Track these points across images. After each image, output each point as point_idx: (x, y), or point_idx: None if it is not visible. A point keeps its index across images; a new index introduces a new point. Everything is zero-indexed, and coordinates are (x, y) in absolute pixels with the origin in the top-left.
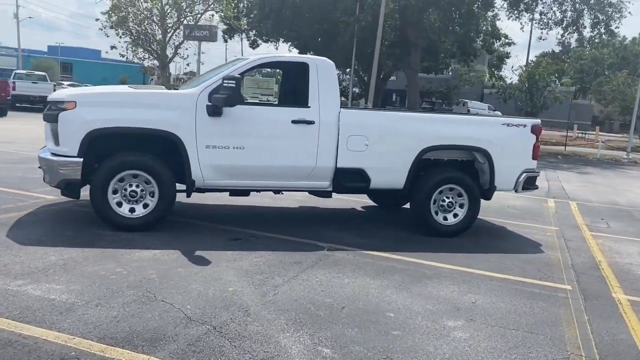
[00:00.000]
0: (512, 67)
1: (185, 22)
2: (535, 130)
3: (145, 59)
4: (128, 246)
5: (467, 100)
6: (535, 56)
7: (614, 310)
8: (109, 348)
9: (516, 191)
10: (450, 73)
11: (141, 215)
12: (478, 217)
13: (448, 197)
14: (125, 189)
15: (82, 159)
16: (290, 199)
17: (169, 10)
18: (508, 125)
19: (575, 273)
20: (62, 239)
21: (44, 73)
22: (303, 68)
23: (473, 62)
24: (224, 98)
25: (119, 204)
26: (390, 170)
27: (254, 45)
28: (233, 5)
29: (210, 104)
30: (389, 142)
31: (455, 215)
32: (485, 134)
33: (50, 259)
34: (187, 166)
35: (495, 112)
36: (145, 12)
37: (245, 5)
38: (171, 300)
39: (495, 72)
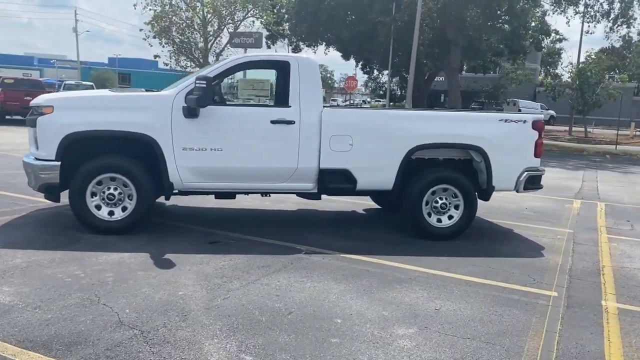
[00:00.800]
0: (562, 63)
1: (226, 29)
2: (537, 126)
3: (187, 67)
4: (100, 249)
5: (517, 100)
6: (587, 52)
7: (595, 319)
8: (23, 352)
9: (517, 191)
10: (499, 72)
11: (120, 218)
12: (485, 219)
13: (442, 198)
14: (104, 192)
15: (59, 163)
16: (289, 202)
17: (210, 18)
18: (506, 121)
19: (570, 278)
20: (38, 242)
21: (91, 83)
22: (285, 67)
23: (521, 59)
24: (195, 98)
25: (98, 207)
26: (377, 171)
27: (296, 50)
28: (273, 10)
29: (185, 105)
30: (375, 142)
31: (450, 217)
32: (480, 131)
33: (16, 261)
34: (164, 169)
35: (549, 111)
36: (187, 21)
37: (284, 10)
38: (113, 304)
39: (551, 70)
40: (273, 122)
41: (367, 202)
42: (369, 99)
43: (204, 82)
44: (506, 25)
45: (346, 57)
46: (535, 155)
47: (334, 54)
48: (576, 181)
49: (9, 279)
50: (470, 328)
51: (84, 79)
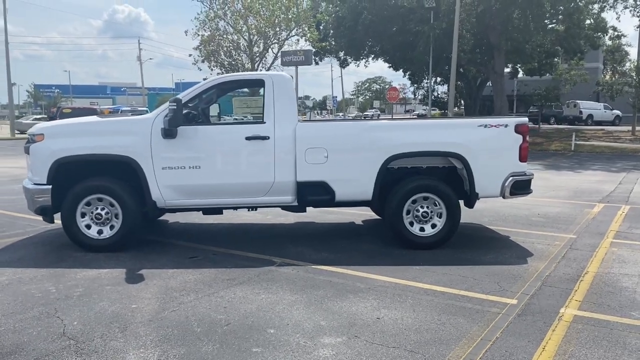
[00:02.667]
0: (630, 60)
1: (270, 50)
2: (520, 129)
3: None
4: (83, 266)
5: (578, 101)
6: None
7: (542, 327)
8: None
9: (503, 197)
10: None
11: (108, 236)
12: (487, 226)
13: (423, 207)
14: (92, 212)
15: (50, 186)
16: (290, 215)
17: (255, 40)
18: (485, 126)
19: (541, 286)
20: (31, 261)
21: (146, 108)
22: (260, 84)
23: (578, 59)
24: (167, 120)
25: (88, 227)
26: (353, 182)
27: (343, 64)
28: (317, 28)
29: (162, 127)
30: (349, 153)
31: (433, 226)
32: (458, 137)
33: (1, 279)
34: (146, 188)
35: (613, 111)
36: (233, 44)
37: (330, 27)
38: (65, 317)
39: (618, 68)
40: (248, 138)
41: (368, 213)
42: (425, 108)
43: (175, 104)
44: (560, 25)
45: (395, 68)
46: (521, 160)
47: (381, 64)
48: (611, 184)
49: None
50: (401, 337)
51: (151, 104)
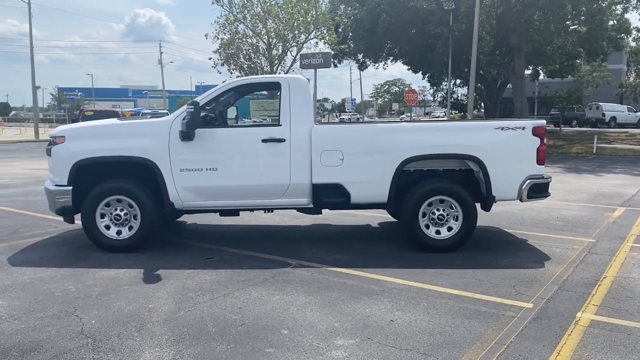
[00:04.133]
0: None
1: (289, 53)
2: (537, 132)
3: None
4: (102, 266)
5: (601, 103)
6: None
7: (558, 331)
8: None
9: (521, 200)
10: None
11: (127, 237)
12: (505, 229)
13: (439, 210)
14: (111, 213)
15: (71, 187)
16: (306, 218)
17: (274, 43)
18: (502, 129)
19: (558, 289)
20: (51, 260)
21: (166, 111)
22: (276, 87)
23: (600, 61)
24: (185, 122)
25: (107, 227)
26: (369, 184)
27: (362, 66)
28: (336, 30)
29: (180, 129)
30: (365, 156)
31: (449, 229)
32: (475, 139)
33: (23, 278)
34: (164, 189)
35: (637, 113)
36: (253, 47)
37: (348, 29)
38: (84, 316)
39: None
40: (264, 140)
41: (384, 216)
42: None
43: (192, 107)
44: (582, 27)
45: (414, 70)
46: (538, 163)
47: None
48: (634, 187)
49: (8, 293)
50: (414, 340)
51: (172, 107)
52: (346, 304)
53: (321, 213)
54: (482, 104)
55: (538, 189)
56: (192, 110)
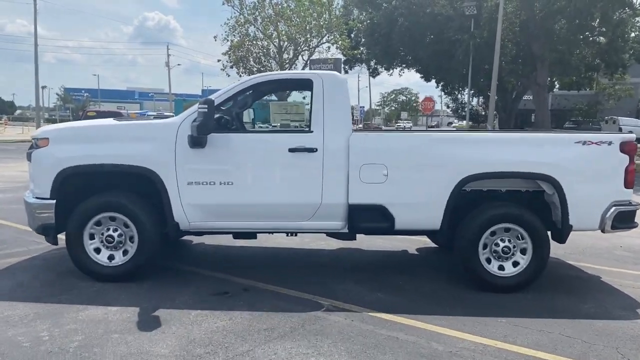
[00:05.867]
0: None
1: (301, 57)
2: (626, 148)
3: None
4: (88, 301)
5: (617, 117)
6: None
7: None
8: None
9: (603, 231)
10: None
11: (120, 263)
12: (566, 261)
13: (504, 240)
14: (102, 234)
15: (55, 201)
16: (331, 239)
17: (286, 46)
18: (584, 143)
19: None
20: (25, 291)
21: (172, 114)
22: (307, 86)
23: (621, 74)
24: (196, 125)
25: (97, 251)
26: (419, 207)
27: (374, 73)
28: (349, 35)
29: (190, 134)
30: (416, 171)
31: (515, 264)
32: (552, 156)
33: None
34: (167, 206)
35: None
36: (263, 50)
37: (361, 35)
38: None
39: None
40: (292, 150)
41: (421, 239)
42: (456, 121)
43: (206, 106)
44: (601, 38)
45: (427, 78)
46: (626, 186)
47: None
48: None
49: None
50: None
51: (177, 110)
52: None
53: (355, 239)
54: (497, 115)
55: (624, 218)
56: (206, 110)
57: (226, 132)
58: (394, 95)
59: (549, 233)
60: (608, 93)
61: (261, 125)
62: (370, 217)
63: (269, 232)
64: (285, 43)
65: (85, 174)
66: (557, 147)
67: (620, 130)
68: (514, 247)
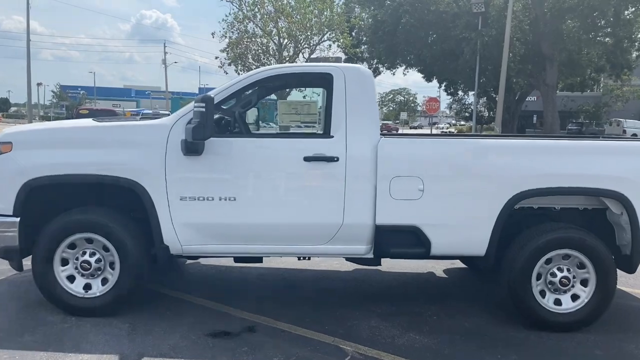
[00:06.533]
0: None
1: (301, 54)
2: None
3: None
4: (55, 345)
5: (622, 120)
6: None
7: None
8: None
9: None
10: (601, 89)
11: (99, 294)
12: (630, 292)
13: (561, 270)
14: (77, 259)
15: (19, 219)
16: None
17: (286, 44)
18: None
19: None
20: None
21: (168, 112)
22: (325, 81)
23: (627, 75)
24: (192, 128)
25: (71, 279)
26: (461, 228)
27: (375, 73)
28: (350, 34)
29: (184, 138)
30: (458, 185)
31: (574, 298)
32: (620, 167)
33: None
34: (155, 226)
35: None
36: (262, 47)
37: (362, 33)
38: None
39: None
40: (308, 159)
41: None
42: (453, 122)
43: (203, 104)
44: (607, 38)
45: (428, 78)
46: None
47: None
48: None
49: None
50: None
51: (174, 108)
52: None
53: (380, 264)
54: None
55: None
56: (203, 110)
57: (228, 137)
58: (392, 96)
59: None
60: (616, 95)
61: (264, 125)
62: (401, 241)
63: (282, 256)
64: (286, 40)
65: (56, 185)
66: (627, 157)
67: (624, 132)
68: (574, 277)
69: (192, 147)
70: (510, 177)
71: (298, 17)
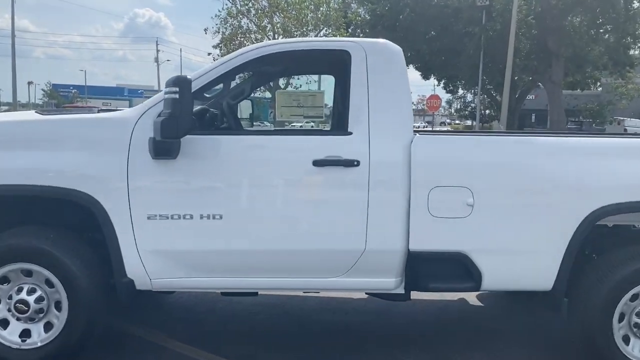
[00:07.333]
0: None
1: None
2: None
3: (257, 91)
4: None
5: (623, 118)
6: None
7: None
8: None
9: None
10: (600, 88)
11: (40, 344)
12: None
13: None
14: (11, 298)
15: None
16: None
17: (279, 38)
18: None
19: None
20: None
21: None
22: (341, 62)
23: (631, 73)
24: (161, 122)
25: (5, 324)
26: (523, 256)
27: None
28: (347, 30)
29: (152, 136)
30: (521, 198)
31: None
32: None
33: None
34: (115, 254)
35: None
36: (256, 42)
37: (359, 30)
38: None
39: None
40: (317, 163)
41: None
42: (448, 120)
43: (176, 89)
44: (608, 35)
45: (426, 76)
46: None
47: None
48: None
49: None
50: None
51: None
52: None
53: (409, 299)
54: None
55: None
56: (177, 96)
57: (212, 134)
58: None
59: None
60: (620, 93)
61: (257, 124)
62: (442, 272)
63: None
64: (280, 36)
65: None
66: None
67: (625, 131)
68: None
69: (163, 148)
70: (590, 188)
71: (294, 12)
